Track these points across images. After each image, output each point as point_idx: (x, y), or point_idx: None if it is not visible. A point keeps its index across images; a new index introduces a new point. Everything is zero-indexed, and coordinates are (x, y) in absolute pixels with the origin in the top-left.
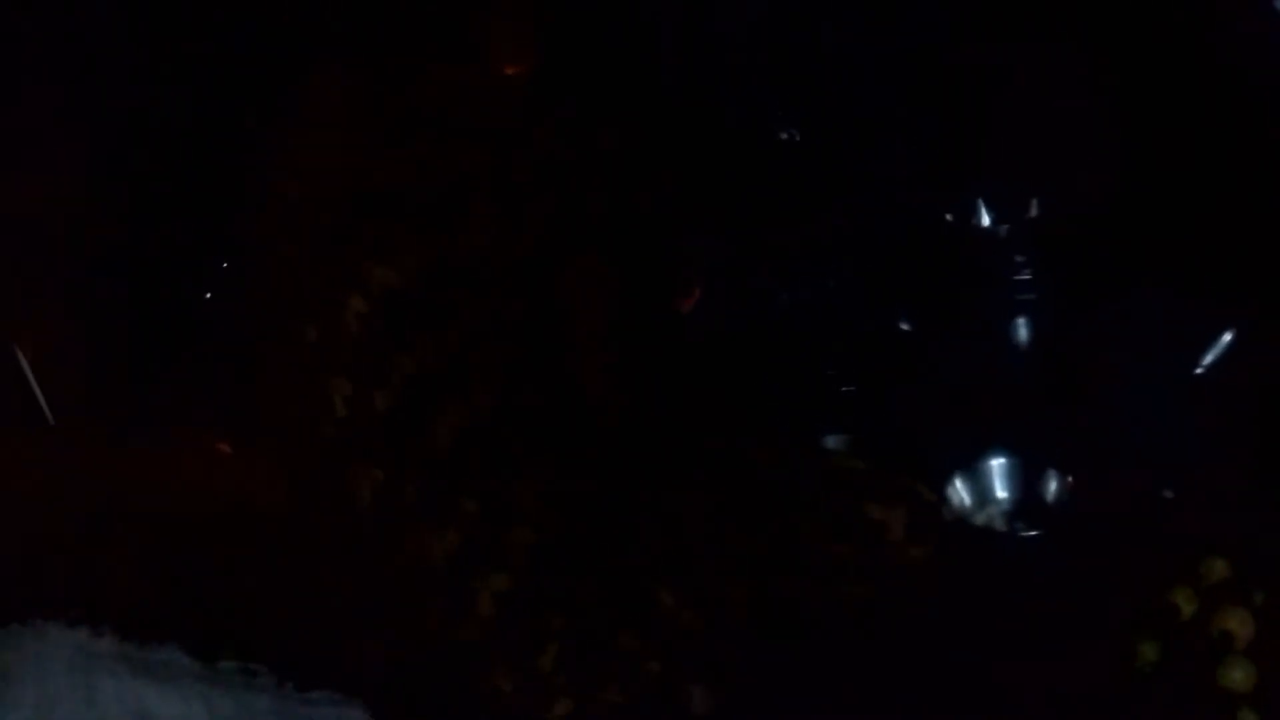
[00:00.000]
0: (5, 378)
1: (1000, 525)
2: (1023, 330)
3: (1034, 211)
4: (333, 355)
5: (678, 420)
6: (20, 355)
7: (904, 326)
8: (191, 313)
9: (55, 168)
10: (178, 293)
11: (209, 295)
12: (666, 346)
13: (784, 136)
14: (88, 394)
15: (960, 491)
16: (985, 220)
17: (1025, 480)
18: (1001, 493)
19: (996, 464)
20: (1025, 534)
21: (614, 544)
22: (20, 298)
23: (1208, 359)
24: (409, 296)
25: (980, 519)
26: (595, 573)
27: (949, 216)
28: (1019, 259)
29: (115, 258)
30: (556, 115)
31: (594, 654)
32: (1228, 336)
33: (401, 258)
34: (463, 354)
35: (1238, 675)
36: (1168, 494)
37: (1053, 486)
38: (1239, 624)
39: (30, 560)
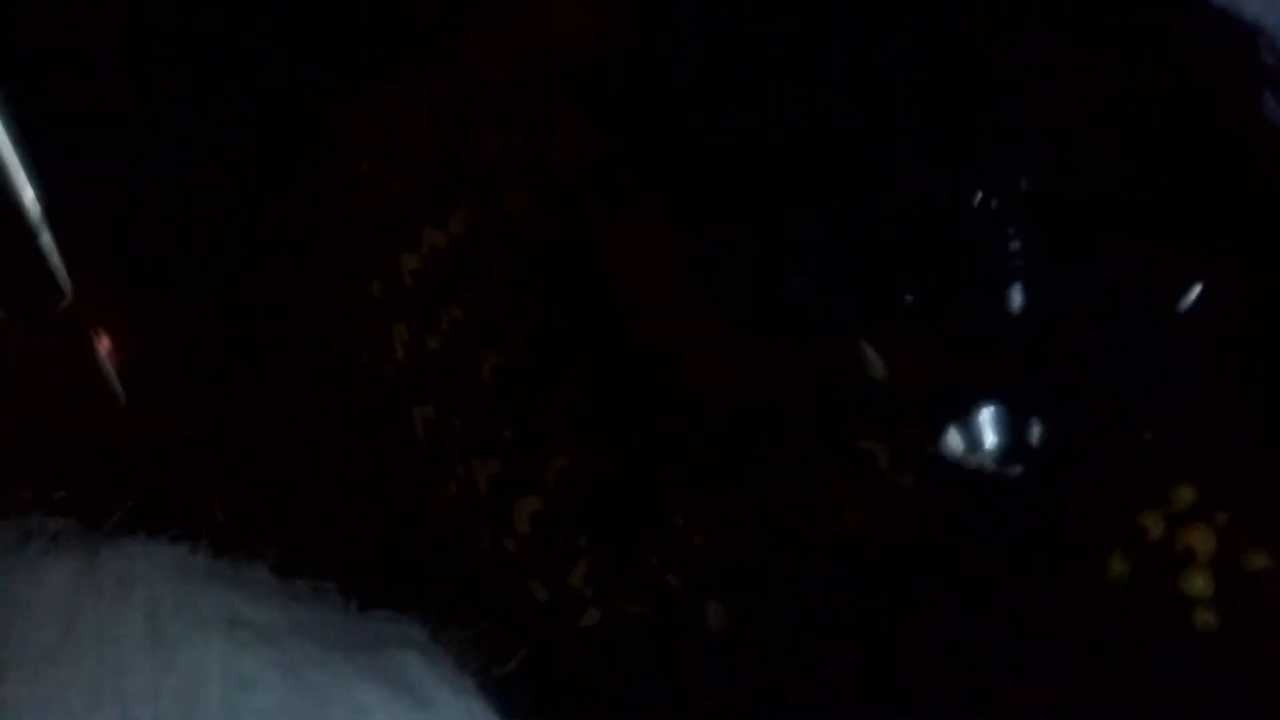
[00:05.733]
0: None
1: (989, 467)
2: (1014, 290)
3: (1023, 186)
4: (393, 306)
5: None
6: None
7: (907, 295)
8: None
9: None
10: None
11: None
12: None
13: (789, 125)
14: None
15: (955, 438)
16: (980, 197)
17: (1012, 424)
18: (991, 437)
19: (987, 413)
20: (1010, 473)
21: (635, 470)
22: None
23: (1178, 307)
24: (455, 255)
25: (972, 463)
26: (618, 496)
27: (945, 194)
28: (1009, 229)
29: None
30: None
31: (618, 569)
32: (1196, 288)
33: (449, 223)
34: (503, 303)
35: (1198, 583)
36: (1143, 429)
37: (1036, 428)
38: (1201, 540)
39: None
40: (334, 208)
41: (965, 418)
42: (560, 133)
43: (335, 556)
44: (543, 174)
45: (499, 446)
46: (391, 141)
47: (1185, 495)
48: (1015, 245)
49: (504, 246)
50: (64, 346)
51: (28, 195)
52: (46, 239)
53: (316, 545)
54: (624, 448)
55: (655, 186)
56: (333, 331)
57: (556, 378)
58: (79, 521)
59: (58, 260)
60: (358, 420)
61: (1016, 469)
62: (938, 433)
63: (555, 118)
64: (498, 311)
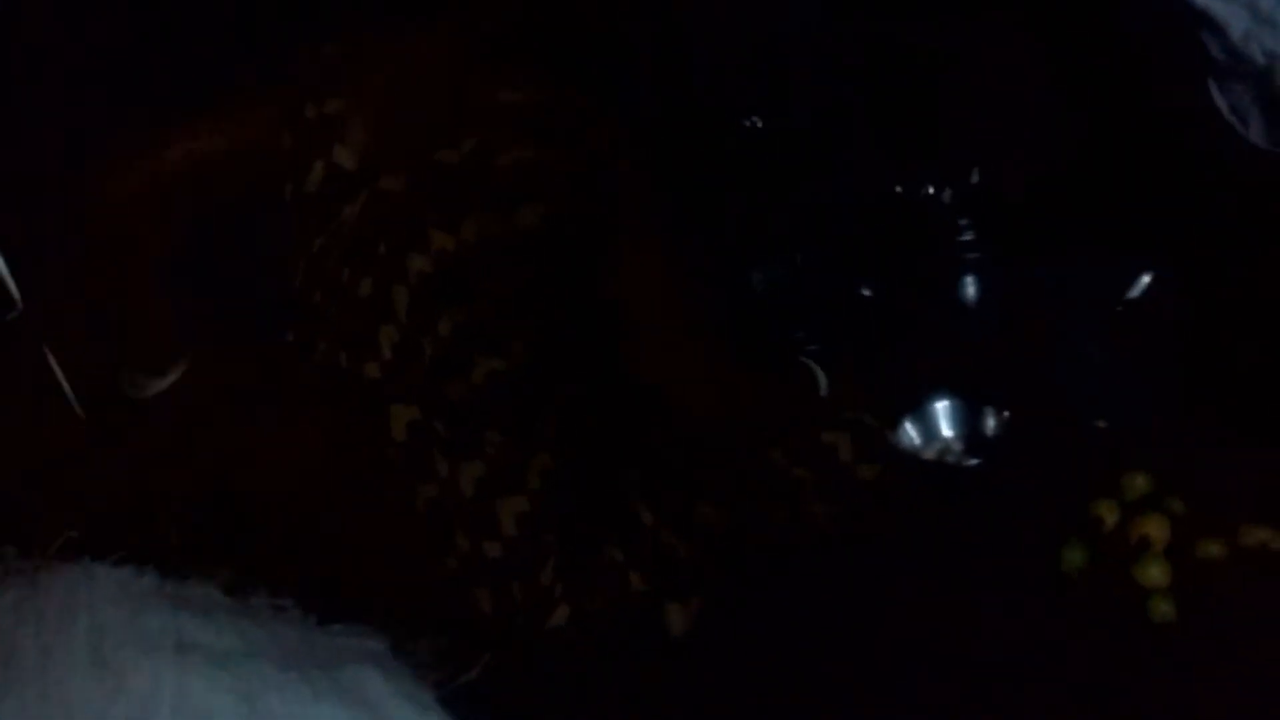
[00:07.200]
0: None
1: (949, 459)
2: (967, 282)
3: (975, 179)
4: (385, 306)
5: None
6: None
7: (865, 291)
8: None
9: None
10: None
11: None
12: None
13: (750, 124)
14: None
15: (911, 431)
16: (933, 191)
17: (967, 415)
18: (949, 430)
19: (943, 405)
20: (968, 465)
21: (605, 467)
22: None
23: (1129, 297)
24: (463, 261)
25: (929, 454)
26: (587, 492)
27: (900, 190)
28: (963, 223)
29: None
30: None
31: (584, 565)
32: (1147, 277)
33: (460, 229)
34: (508, 312)
35: (1154, 572)
36: (1098, 419)
37: (992, 419)
38: (1156, 529)
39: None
40: (323, 197)
41: (921, 410)
42: (574, 146)
43: (293, 571)
44: (555, 189)
45: (484, 449)
46: (397, 138)
47: (1139, 484)
48: (968, 237)
49: (514, 257)
50: (13, 360)
51: None
52: None
53: (275, 561)
54: (598, 446)
55: (656, 191)
56: (314, 328)
57: (548, 386)
58: (18, 548)
59: (4, 268)
60: (332, 423)
61: (973, 460)
62: (894, 425)
63: (571, 129)
64: (500, 319)
